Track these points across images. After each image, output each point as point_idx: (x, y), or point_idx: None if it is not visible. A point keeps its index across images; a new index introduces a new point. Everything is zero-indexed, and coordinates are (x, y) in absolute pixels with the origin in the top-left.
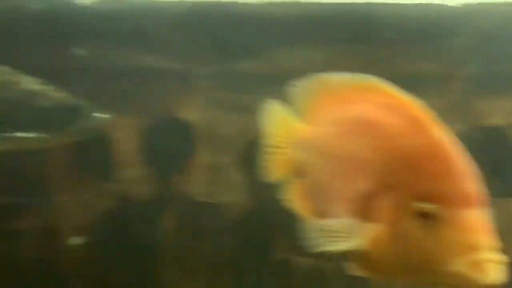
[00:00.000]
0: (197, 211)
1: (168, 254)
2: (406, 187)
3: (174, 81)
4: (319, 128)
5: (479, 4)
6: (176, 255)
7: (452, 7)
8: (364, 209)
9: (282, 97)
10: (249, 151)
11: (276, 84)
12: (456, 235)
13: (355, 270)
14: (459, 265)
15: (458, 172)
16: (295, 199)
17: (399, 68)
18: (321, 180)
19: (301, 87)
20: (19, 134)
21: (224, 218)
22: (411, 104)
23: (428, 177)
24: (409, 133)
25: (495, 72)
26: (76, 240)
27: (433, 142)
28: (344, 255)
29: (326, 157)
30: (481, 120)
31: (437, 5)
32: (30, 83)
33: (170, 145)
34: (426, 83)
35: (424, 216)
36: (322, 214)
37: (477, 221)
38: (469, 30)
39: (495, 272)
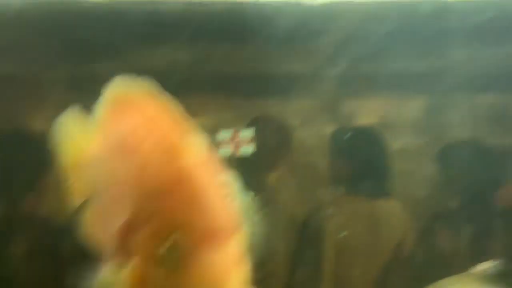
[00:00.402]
0: (50, 235)
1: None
2: (154, 220)
3: (21, 88)
4: (101, 145)
5: (340, 1)
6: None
7: (317, 5)
8: (125, 245)
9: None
10: None
11: None
12: (200, 275)
13: None
14: None
15: (205, 205)
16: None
17: (267, 68)
18: (100, 207)
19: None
20: None
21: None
22: (171, 127)
23: (174, 210)
24: (162, 160)
25: (363, 72)
26: None
27: (182, 171)
28: None
29: (101, 181)
30: (351, 120)
31: (303, 4)
32: None
33: (18, 161)
34: (295, 84)
35: (168, 253)
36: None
37: (221, 260)
38: (333, 29)
39: None
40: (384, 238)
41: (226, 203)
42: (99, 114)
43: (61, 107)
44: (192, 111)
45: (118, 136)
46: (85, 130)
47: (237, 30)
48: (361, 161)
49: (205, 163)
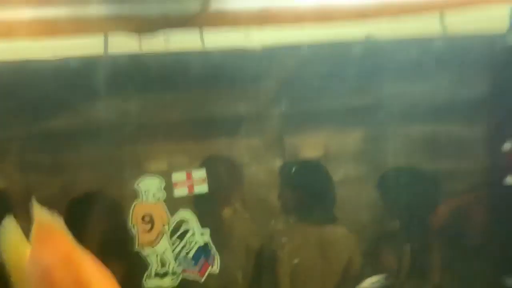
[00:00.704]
0: None
1: None
2: None
3: None
4: (29, 266)
5: (279, 46)
6: None
7: (259, 51)
8: None
9: None
10: (75, 209)
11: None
12: None
13: None
14: None
15: None
16: None
17: (214, 111)
18: None
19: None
20: None
21: None
22: (81, 263)
23: None
24: None
25: (304, 110)
26: None
27: None
28: None
29: None
30: (296, 154)
31: (241, 49)
32: None
33: None
34: (242, 124)
35: None
36: None
37: None
38: (274, 72)
39: None
40: (334, 261)
41: None
42: (32, 235)
43: (21, 163)
44: (145, 156)
45: (42, 266)
46: (22, 239)
47: (185, 77)
48: (308, 191)
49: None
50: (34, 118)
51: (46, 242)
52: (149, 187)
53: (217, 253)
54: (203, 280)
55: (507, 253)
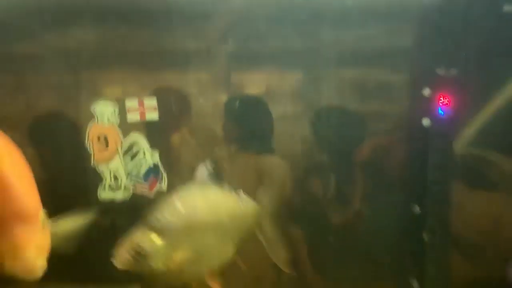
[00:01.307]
0: None
1: None
2: None
3: None
4: None
5: None
6: None
7: None
8: None
9: None
10: (37, 128)
11: (53, 65)
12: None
13: None
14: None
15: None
16: None
17: (166, 46)
18: None
19: None
20: None
21: None
22: None
23: None
24: None
25: (249, 50)
26: None
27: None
28: None
29: None
30: (240, 90)
31: None
32: None
33: None
34: (192, 59)
35: None
36: None
37: (25, 231)
38: (222, 12)
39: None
40: (268, 186)
41: (31, 192)
42: None
43: None
44: (101, 83)
45: None
46: None
47: (139, 12)
48: (250, 124)
49: (13, 165)
50: None
51: None
52: (104, 111)
53: (165, 173)
54: (152, 195)
55: (417, 186)
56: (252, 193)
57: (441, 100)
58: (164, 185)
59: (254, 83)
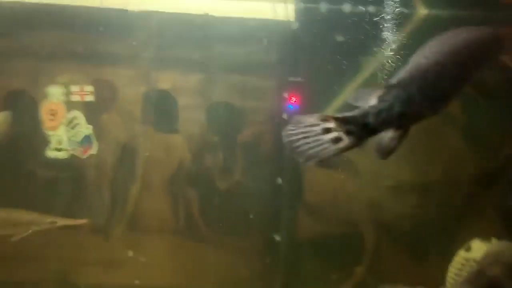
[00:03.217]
0: None
1: None
2: None
3: None
4: None
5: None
6: None
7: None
8: None
9: None
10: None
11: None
12: None
13: None
14: None
15: None
16: None
17: (105, 49)
18: None
19: None
20: None
21: None
22: None
23: None
24: None
25: (162, 56)
26: None
27: None
28: None
29: None
30: (155, 85)
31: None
32: None
33: None
34: (122, 60)
35: None
36: None
37: None
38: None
39: None
40: (172, 158)
41: None
42: None
43: None
44: (55, 73)
45: None
46: None
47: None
48: (161, 110)
49: None
50: None
51: None
52: (54, 92)
53: (97, 142)
54: (85, 157)
55: (279, 163)
56: (160, 162)
57: (292, 99)
58: (94, 151)
59: (165, 81)
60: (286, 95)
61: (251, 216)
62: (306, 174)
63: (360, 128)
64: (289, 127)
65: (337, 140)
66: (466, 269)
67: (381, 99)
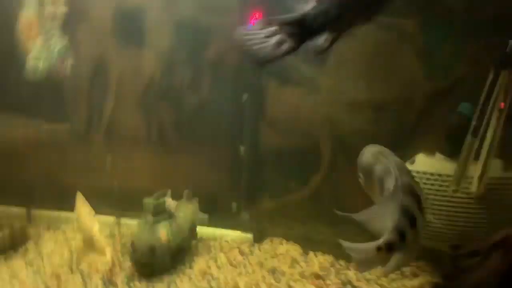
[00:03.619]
0: None
1: None
2: None
3: None
4: None
5: None
6: None
7: None
8: None
9: None
10: None
11: None
12: None
13: None
14: None
15: None
16: None
17: None
18: None
19: None
20: None
21: None
22: None
23: None
24: None
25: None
26: None
27: None
28: None
29: None
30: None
31: None
32: None
33: None
34: None
35: None
36: None
37: None
38: None
39: None
40: (142, 74)
41: None
42: None
43: None
44: None
45: None
46: None
47: None
48: (130, 26)
49: None
50: None
51: None
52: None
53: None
54: (62, 68)
55: (244, 80)
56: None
57: (255, 15)
58: (71, 61)
59: None
60: (249, 11)
61: (219, 130)
62: (269, 90)
63: (300, 30)
64: (241, 34)
65: (280, 42)
66: None
67: (319, 2)
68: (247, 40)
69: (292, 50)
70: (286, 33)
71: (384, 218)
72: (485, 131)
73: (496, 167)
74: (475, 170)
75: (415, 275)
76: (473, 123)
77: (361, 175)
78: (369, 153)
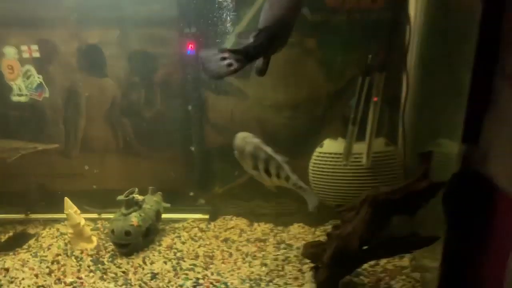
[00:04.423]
0: None
1: None
2: None
3: None
4: None
5: None
6: None
7: None
8: None
9: None
10: None
11: None
12: None
13: None
14: None
15: None
16: None
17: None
18: None
19: None
20: None
21: None
22: None
23: None
24: None
25: (90, 17)
26: None
27: None
28: None
29: None
30: (86, 41)
31: None
32: None
33: None
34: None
35: None
36: None
37: None
38: None
39: None
40: (107, 96)
41: None
42: None
43: None
44: (9, 37)
45: None
46: None
47: None
48: (92, 60)
49: None
50: None
51: None
52: (10, 51)
53: (47, 88)
54: (40, 99)
55: (188, 93)
56: (98, 100)
57: (190, 46)
58: (47, 94)
59: (93, 37)
60: (185, 43)
61: (172, 134)
62: (208, 101)
63: (244, 57)
64: (202, 54)
65: (230, 65)
66: (318, 160)
67: (255, 39)
68: (206, 61)
69: (237, 70)
70: (234, 58)
71: None
72: (362, 120)
73: (381, 144)
74: (364, 148)
75: None
76: (351, 115)
77: (236, 152)
78: (240, 137)
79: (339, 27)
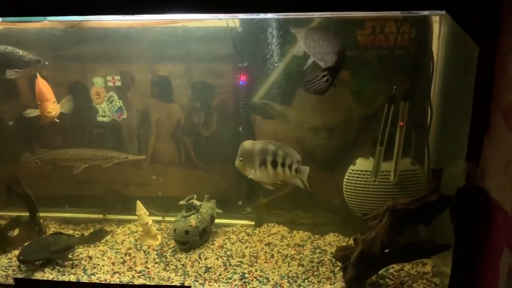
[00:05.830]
0: None
1: None
2: None
3: None
4: None
5: (150, 27)
6: None
7: (137, 28)
8: None
9: None
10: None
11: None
12: None
13: None
14: None
15: None
16: None
17: (123, 53)
18: None
19: None
20: None
21: None
22: None
23: None
24: None
25: (161, 54)
26: None
27: None
28: None
29: None
30: (158, 73)
31: (131, 27)
32: None
33: None
34: (135, 59)
35: None
36: None
37: None
38: (147, 38)
39: None
40: (173, 118)
41: None
42: None
43: None
44: (97, 70)
45: None
46: None
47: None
48: (162, 89)
49: None
50: None
51: None
52: (98, 81)
53: (126, 111)
54: (120, 120)
55: (239, 117)
56: (165, 121)
57: (242, 78)
58: (125, 116)
59: (163, 70)
60: (238, 75)
61: (223, 151)
62: (256, 123)
63: (333, 72)
64: (306, 79)
65: (327, 80)
66: (351, 176)
67: (334, 60)
68: (309, 84)
69: (332, 82)
70: (329, 74)
71: None
72: (390, 142)
73: (407, 163)
74: (392, 167)
75: None
76: (379, 137)
77: (241, 158)
78: (248, 142)
79: (370, 61)
